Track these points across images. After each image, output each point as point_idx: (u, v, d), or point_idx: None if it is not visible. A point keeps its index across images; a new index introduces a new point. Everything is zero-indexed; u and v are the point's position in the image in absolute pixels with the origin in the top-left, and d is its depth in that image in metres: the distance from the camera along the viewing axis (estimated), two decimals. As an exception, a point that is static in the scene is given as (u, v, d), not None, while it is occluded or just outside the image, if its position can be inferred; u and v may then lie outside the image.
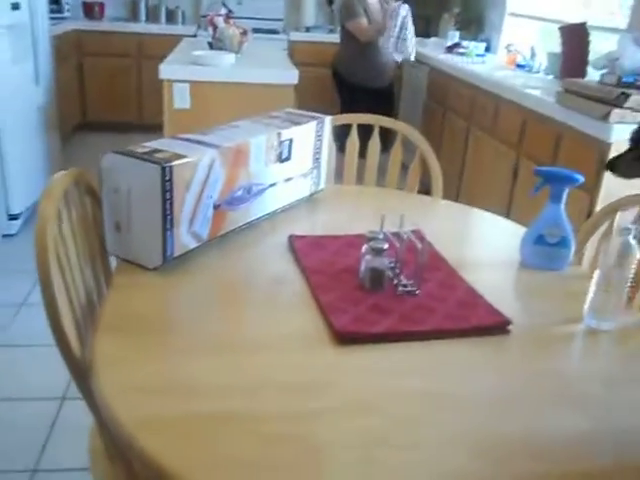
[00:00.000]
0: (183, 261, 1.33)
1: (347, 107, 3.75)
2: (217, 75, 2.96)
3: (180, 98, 2.91)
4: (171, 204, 1.24)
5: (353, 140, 2.07)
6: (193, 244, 1.34)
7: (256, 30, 4.56)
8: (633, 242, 1.17)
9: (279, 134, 1.51)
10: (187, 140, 1.37)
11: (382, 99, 4.11)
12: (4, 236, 3.35)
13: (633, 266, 1.19)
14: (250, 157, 1.43)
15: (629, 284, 1.21)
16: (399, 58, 4.22)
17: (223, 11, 3.52)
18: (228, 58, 3.07)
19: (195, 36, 5.09)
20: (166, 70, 2.92)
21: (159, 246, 1.26)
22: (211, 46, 3.48)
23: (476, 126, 3.45)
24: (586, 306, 1.23)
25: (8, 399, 2.15)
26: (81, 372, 1.06)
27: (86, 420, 1.26)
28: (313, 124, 1.65)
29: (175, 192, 1.24)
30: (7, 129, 3.19)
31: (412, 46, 4.21)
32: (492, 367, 1.08)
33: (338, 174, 2.12)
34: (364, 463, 0.83)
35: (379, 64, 4.11)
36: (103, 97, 5.31)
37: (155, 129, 4.49)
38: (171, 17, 5.53)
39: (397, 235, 1.32)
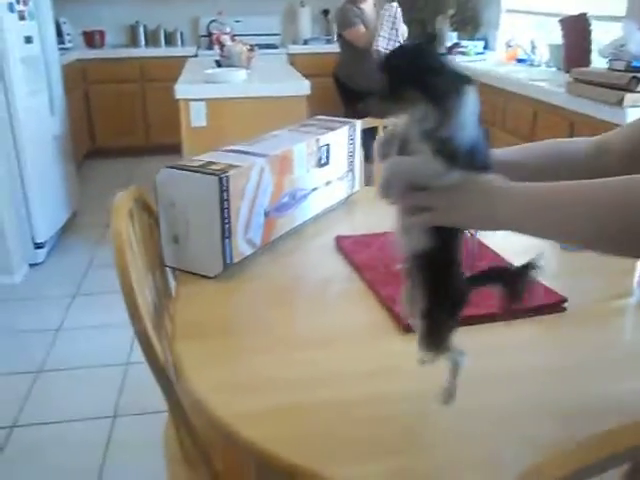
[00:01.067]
0: (239, 268, 1.38)
1: (352, 114, 3.80)
2: (231, 91, 3.02)
3: (197, 116, 2.97)
4: (228, 213, 1.29)
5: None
6: (249, 251, 1.39)
7: (256, 46, 4.64)
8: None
9: (317, 140, 1.57)
10: (234, 151, 1.43)
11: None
12: (31, 265, 3.41)
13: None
14: (294, 164, 1.49)
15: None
16: None
17: (228, 29, 3.59)
18: (240, 74, 3.14)
19: (196, 56, 5.17)
20: (181, 90, 2.99)
21: (219, 254, 1.31)
22: (219, 64, 3.55)
23: (486, 122, 3.50)
24: (635, 279, 1.28)
25: (59, 421, 2.20)
26: (168, 379, 1.11)
27: (142, 435, 1.30)
28: (346, 128, 1.71)
29: (231, 201, 1.29)
30: (28, 160, 3.26)
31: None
32: (555, 342, 1.13)
33: (366, 182, 2.17)
34: (457, 438, 0.87)
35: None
36: (110, 123, 5.39)
37: (164, 150, 4.59)
38: (170, 40, 5.62)
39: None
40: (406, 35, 4.26)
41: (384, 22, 4.03)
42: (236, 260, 1.35)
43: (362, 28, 4.08)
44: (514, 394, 0.98)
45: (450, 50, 4.50)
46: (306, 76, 3.39)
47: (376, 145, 0.85)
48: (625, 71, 2.41)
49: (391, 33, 4.08)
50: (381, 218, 1.72)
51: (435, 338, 0.87)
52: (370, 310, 1.22)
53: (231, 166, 1.31)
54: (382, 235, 1.54)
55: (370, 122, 2.09)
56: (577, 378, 1.02)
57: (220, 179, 1.26)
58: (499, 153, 0.96)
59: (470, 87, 0.76)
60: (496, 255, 1.43)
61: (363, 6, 4.17)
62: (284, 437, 0.87)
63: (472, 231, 1.32)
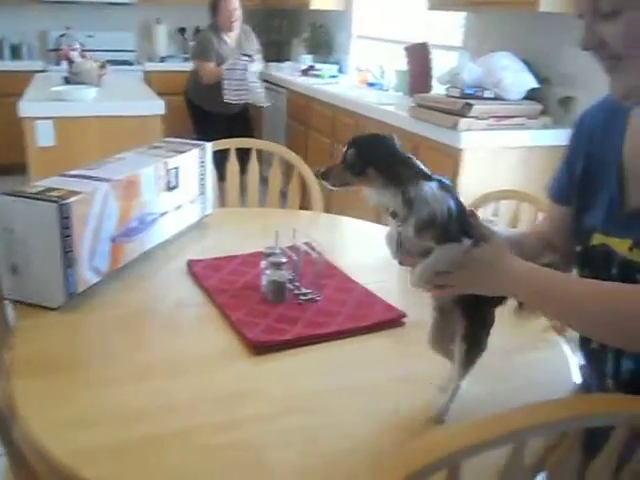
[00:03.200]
0: (86, 297, 1.33)
1: (203, 135, 3.72)
2: (81, 110, 2.91)
3: (44, 136, 2.83)
4: (70, 241, 1.25)
5: (233, 164, 2.15)
6: (95, 279, 1.35)
7: (109, 62, 4.49)
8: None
9: (166, 163, 1.56)
10: (76, 176, 1.38)
11: (237, 124, 4.12)
12: None
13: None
14: (141, 188, 1.47)
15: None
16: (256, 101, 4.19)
17: (77, 45, 3.46)
18: (90, 92, 3.03)
19: (45, 71, 4.91)
20: (26, 107, 2.83)
21: (61, 284, 1.26)
22: (67, 81, 3.40)
23: (339, 143, 3.65)
24: (465, 293, 1.39)
25: None
26: (2, 420, 1.05)
27: None
28: (196, 151, 1.71)
29: (74, 228, 1.25)
30: None
31: (259, 93, 4.12)
32: (396, 356, 1.21)
33: (220, 202, 2.18)
34: (304, 456, 0.90)
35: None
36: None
37: (10, 170, 4.30)
38: (16, 53, 5.30)
39: (292, 248, 1.41)
40: (261, 67, 4.25)
41: (232, 77, 3.92)
42: (81, 289, 1.31)
43: (211, 65, 3.94)
44: (360, 409, 1.03)
45: (305, 72, 4.63)
46: (162, 94, 3.34)
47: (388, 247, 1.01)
48: (459, 97, 2.62)
49: (240, 85, 3.96)
50: (233, 241, 1.75)
51: (474, 358, 0.98)
52: (221, 334, 1.23)
53: (72, 192, 1.27)
54: (234, 258, 1.56)
55: (222, 144, 2.11)
56: (417, 389, 1.09)
57: (60, 206, 1.22)
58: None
59: (428, 182, 0.92)
60: (343, 273, 1.50)
61: (226, 37, 4.02)
62: (126, 473, 0.86)
63: (318, 250, 1.37)
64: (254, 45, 4.20)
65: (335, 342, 1.22)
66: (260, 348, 1.17)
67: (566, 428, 0.77)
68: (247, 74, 3.93)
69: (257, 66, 4.09)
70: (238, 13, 3.98)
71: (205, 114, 4.12)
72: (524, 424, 0.65)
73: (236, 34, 4.09)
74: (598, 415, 0.71)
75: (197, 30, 4.99)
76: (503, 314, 1.38)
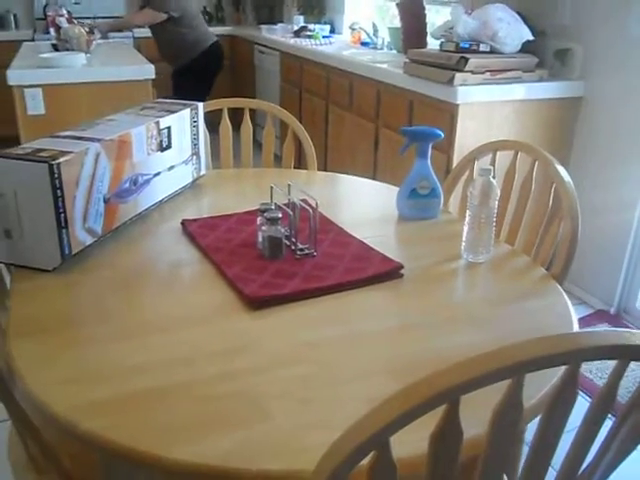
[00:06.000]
0: (81, 258, 1.33)
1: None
2: (70, 76, 2.86)
3: (33, 104, 2.79)
4: (63, 202, 1.24)
5: (226, 124, 2.12)
6: (89, 240, 1.34)
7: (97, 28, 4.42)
8: (493, 180, 1.34)
9: (157, 123, 1.54)
10: (67, 137, 1.36)
11: (182, 78, 4.13)
12: None
13: (496, 202, 1.36)
14: (133, 148, 1.45)
15: (494, 219, 1.38)
16: None
17: (64, 11, 3.39)
18: (79, 58, 2.98)
19: (33, 40, 4.83)
20: (14, 76, 2.78)
21: (56, 246, 1.25)
22: (56, 48, 3.35)
23: (334, 104, 3.61)
24: (462, 244, 1.39)
25: None
26: (2, 380, 1.05)
27: None
28: (187, 111, 1.68)
29: (65, 189, 1.24)
30: None
31: None
32: (394, 306, 1.21)
33: (214, 160, 2.16)
34: (302, 404, 0.91)
35: (164, 42, 4.17)
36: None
37: (5, 141, 4.26)
38: (2, 23, 5.21)
39: (288, 204, 1.40)
40: None
41: None
42: (75, 251, 1.30)
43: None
44: (357, 357, 1.03)
45: (297, 33, 4.55)
46: (153, 61, 3.29)
47: None
48: (454, 52, 2.57)
49: None
50: (228, 201, 1.74)
51: None
52: (218, 291, 1.23)
53: (63, 152, 1.25)
54: (230, 217, 1.55)
55: (214, 104, 2.08)
56: (414, 337, 1.10)
57: (51, 166, 1.20)
58: None
59: None
60: (340, 228, 1.49)
61: None
62: (126, 425, 0.86)
63: (314, 206, 1.36)
64: None
65: (333, 295, 1.22)
66: (258, 303, 1.17)
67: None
68: None
69: None
70: None
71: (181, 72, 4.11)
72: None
73: None
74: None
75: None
76: (500, 263, 1.39)
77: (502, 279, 1.34)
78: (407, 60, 2.85)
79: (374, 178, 3.12)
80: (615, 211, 2.62)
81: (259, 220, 1.36)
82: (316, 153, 2.11)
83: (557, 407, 0.73)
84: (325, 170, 3.62)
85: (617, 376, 0.75)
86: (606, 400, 0.77)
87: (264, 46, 4.76)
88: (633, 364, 0.74)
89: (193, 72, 4.16)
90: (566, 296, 1.24)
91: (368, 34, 4.16)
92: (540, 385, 0.92)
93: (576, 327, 1.15)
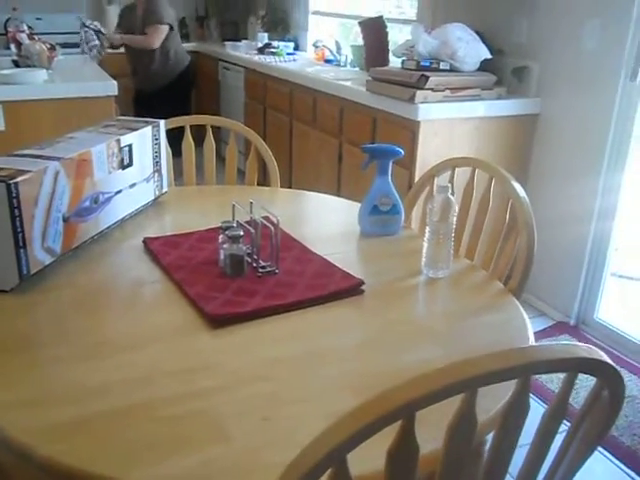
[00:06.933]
0: (40, 278, 1.31)
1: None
2: (31, 93, 2.83)
3: (-7, 121, 2.75)
4: (21, 221, 1.22)
5: (189, 142, 2.12)
6: (48, 260, 1.33)
7: (60, 45, 4.37)
8: (451, 197, 1.37)
9: (118, 140, 1.53)
10: (26, 156, 1.35)
11: (157, 103, 4.13)
12: None
13: (454, 218, 1.39)
14: (93, 166, 1.44)
15: (453, 235, 1.41)
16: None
17: (25, 27, 3.35)
18: (40, 74, 2.95)
19: (-7, 56, 4.76)
20: (-28, 92, 2.74)
21: (14, 266, 1.24)
22: (17, 64, 3.30)
23: (298, 120, 3.63)
24: (422, 260, 1.41)
25: None
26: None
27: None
28: (149, 129, 1.68)
29: (23, 209, 1.22)
30: None
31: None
32: (355, 322, 1.22)
33: (177, 178, 2.16)
34: (263, 423, 0.91)
35: (142, 67, 4.22)
36: None
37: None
38: (-40, 37, 5.11)
39: (250, 222, 1.41)
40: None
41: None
42: (34, 270, 1.28)
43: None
44: (318, 375, 1.04)
45: (262, 50, 4.58)
46: (116, 77, 3.27)
47: None
48: (415, 70, 2.63)
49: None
50: (190, 218, 1.73)
51: None
52: (179, 310, 1.22)
53: (21, 171, 1.24)
54: (192, 234, 1.55)
55: (176, 121, 2.08)
56: (375, 353, 1.11)
57: (8, 185, 1.19)
58: None
59: None
60: (302, 245, 1.50)
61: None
62: (85, 448, 0.85)
63: (276, 223, 1.37)
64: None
65: (295, 312, 1.22)
66: (219, 321, 1.17)
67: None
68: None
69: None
70: None
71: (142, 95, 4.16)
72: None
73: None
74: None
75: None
76: (459, 278, 1.41)
77: (461, 294, 1.36)
78: (369, 78, 2.89)
79: (338, 194, 3.15)
80: (572, 224, 2.69)
81: (221, 238, 1.36)
82: (281, 169, 2.13)
83: (510, 419, 0.75)
84: (290, 186, 3.64)
85: (567, 388, 0.77)
86: (557, 412, 0.80)
87: (228, 62, 4.77)
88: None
89: (177, 90, 4.20)
90: (522, 310, 1.27)
91: (331, 51, 4.21)
92: (497, 398, 0.94)
93: (532, 340, 1.18)
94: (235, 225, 1.38)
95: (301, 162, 3.66)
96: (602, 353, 0.77)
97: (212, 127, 2.12)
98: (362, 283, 1.31)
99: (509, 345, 1.14)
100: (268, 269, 1.37)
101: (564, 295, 2.75)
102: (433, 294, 1.37)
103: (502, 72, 2.85)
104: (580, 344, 0.76)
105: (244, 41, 5.07)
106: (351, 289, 1.30)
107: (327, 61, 4.22)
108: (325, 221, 1.79)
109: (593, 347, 0.77)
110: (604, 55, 2.46)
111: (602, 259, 2.64)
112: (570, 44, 2.59)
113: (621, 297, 2.81)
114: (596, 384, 0.80)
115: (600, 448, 1.99)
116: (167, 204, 1.80)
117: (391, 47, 3.35)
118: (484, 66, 2.76)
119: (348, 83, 3.18)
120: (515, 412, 0.74)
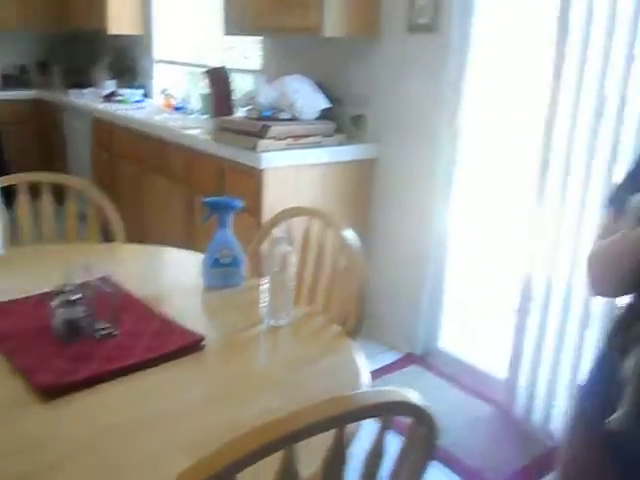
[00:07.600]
0: None
1: None
2: None
3: None
4: None
5: (24, 200, 2.03)
6: None
7: None
8: (288, 247, 1.43)
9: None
10: None
11: None
12: None
13: (293, 268, 1.45)
14: None
15: (293, 284, 1.46)
16: None
17: None
18: None
19: None
20: None
21: None
22: None
23: (147, 169, 3.59)
24: (264, 309, 1.45)
25: None
26: None
27: None
28: (-26, 191, 1.60)
29: None
30: None
31: None
32: (195, 380, 1.23)
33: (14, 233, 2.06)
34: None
35: None
36: None
37: None
38: None
39: (84, 285, 1.37)
40: None
41: None
42: None
43: None
44: (150, 440, 1.03)
45: (108, 98, 4.49)
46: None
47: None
48: (257, 119, 2.71)
49: None
50: (27, 281, 1.65)
51: None
52: (10, 383, 1.16)
53: None
54: (26, 300, 1.48)
55: (10, 179, 1.99)
56: (215, 410, 1.12)
57: None
58: None
59: None
60: (143, 304, 1.49)
61: None
62: None
63: (114, 284, 1.35)
64: None
65: (134, 375, 1.21)
66: (50, 393, 1.13)
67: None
68: None
69: None
70: None
71: None
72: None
73: None
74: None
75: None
76: (299, 325, 1.47)
77: (301, 340, 1.42)
78: (215, 127, 2.94)
79: (193, 245, 3.13)
80: (412, 259, 2.87)
81: (54, 303, 1.32)
82: (132, 222, 2.09)
83: (330, 469, 0.79)
84: (142, 239, 3.56)
85: (382, 431, 0.83)
86: (375, 455, 0.85)
87: (74, 111, 4.62)
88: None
89: None
90: (356, 353, 1.34)
91: (178, 100, 4.22)
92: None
93: (366, 381, 1.24)
94: (70, 288, 1.34)
95: (152, 214, 3.61)
96: (412, 395, 0.84)
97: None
98: (202, 339, 1.33)
99: (343, 390, 1.20)
100: (108, 331, 1.34)
101: (410, 328, 2.91)
102: (274, 343, 1.41)
103: (342, 120, 3.01)
104: (391, 389, 0.82)
105: (89, 89, 4.94)
106: (191, 346, 1.30)
107: (177, 108, 4.21)
108: (170, 276, 1.79)
109: (407, 389, 0.84)
110: (425, 104, 2.68)
111: (439, 290, 2.84)
112: (398, 94, 2.80)
113: (461, 325, 3.02)
114: (411, 424, 0.86)
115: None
116: (1, 267, 1.71)
117: (237, 96, 3.42)
118: (325, 114, 2.91)
119: (196, 131, 3.20)
120: (334, 462, 0.78)
